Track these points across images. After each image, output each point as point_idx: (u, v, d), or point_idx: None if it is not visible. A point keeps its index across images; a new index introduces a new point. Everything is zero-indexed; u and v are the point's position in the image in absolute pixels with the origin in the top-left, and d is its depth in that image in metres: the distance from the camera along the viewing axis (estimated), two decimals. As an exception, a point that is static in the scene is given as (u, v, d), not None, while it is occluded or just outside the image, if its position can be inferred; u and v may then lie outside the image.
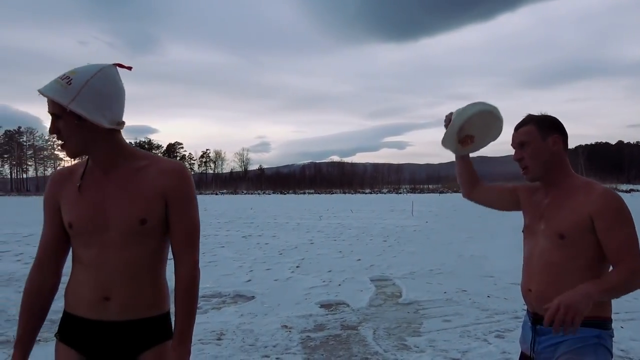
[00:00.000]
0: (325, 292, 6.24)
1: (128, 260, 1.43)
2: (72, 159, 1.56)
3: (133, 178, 1.44)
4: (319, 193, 78.85)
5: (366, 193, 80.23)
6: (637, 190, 61.02)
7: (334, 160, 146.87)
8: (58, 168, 1.51)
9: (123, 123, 1.45)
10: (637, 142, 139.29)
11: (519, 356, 1.84)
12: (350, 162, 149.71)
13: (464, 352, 3.94)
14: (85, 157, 1.49)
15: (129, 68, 1.49)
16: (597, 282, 1.50)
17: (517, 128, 1.76)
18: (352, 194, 76.98)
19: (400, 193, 77.18)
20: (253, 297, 6.04)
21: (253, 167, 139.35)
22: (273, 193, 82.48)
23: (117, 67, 1.44)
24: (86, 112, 1.33)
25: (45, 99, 1.36)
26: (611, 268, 1.61)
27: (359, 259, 9.01)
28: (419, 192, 78.03)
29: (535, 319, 1.72)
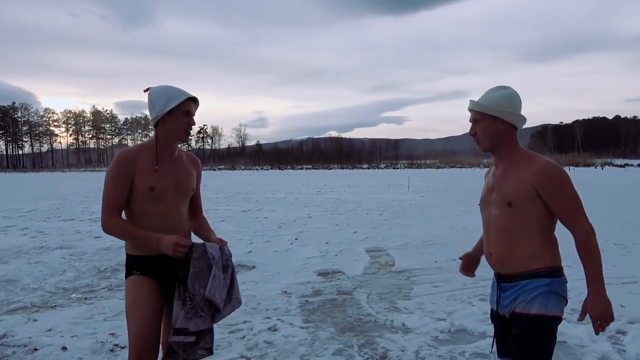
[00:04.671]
0: (322, 262, 6.57)
1: (182, 212, 2.24)
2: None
3: (182, 161, 2.25)
4: (316, 168, 79.10)
5: (364, 168, 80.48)
6: (632, 165, 61.45)
7: (332, 136, 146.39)
8: (123, 149, 2.18)
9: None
10: (635, 116, 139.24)
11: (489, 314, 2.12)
12: (348, 137, 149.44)
13: (450, 313, 4.29)
14: (145, 141, 2.21)
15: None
16: (593, 277, 1.78)
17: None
18: (350, 169, 77.28)
19: (397, 168, 77.49)
20: (254, 267, 6.37)
21: (250, 142, 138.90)
22: (271, 169, 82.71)
23: None
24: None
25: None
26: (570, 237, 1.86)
27: (355, 232, 9.34)
28: (416, 168, 78.34)
29: (498, 278, 1.98)
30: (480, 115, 1.95)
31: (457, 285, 5.23)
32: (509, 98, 1.94)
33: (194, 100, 2.16)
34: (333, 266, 6.32)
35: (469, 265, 2.26)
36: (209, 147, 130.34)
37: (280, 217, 12.07)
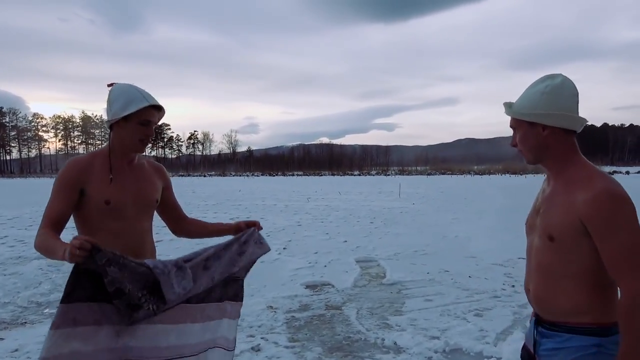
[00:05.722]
0: (310, 273, 6.33)
1: (144, 228, 1.97)
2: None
3: (143, 171, 1.99)
4: (307, 175, 78.87)
5: (355, 175, 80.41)
6: (620, 172, 62.07)
7: (323, 142, 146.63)
8: (75, 157, 1.92)
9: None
10: (622, 124, 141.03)
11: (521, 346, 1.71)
12: (339, 143, 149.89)
13: (444, 330, 4.06)
14: (99, 149, 1.95)
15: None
16: (626, 354, 1.33)
17: None
18: (341, 175, 77.10)
19: (388, 175, 77.47)
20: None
21: (241, 148, 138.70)
22: (262, 175, 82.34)
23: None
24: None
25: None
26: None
27: (345, 241, 9.12)
28: (407, 174, 78.43)
29: (537, 319, 1.58)
30: (516, 122, 1.53)
31: (451, 299, 5.01)
32: (549, 94, 1.45)
33: (158, 109, 1.89)
34: (322, 278, 6.09)
35: None
36: (200, 153, 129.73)
37: (269, 225, 11.80)
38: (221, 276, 1.87)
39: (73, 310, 1.52)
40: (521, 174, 71.89)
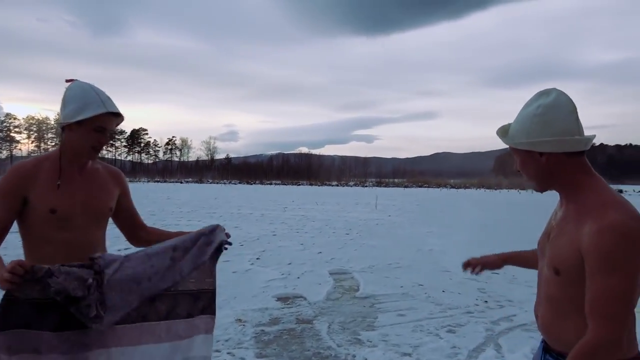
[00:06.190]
0: (283, 285, 6.20)
1: (96, 238, 1.82)
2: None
3: (97, 176, 1.84)
4: (285, 184, 78.61)
5: (333, 185, 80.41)
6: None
7: (302, 152, 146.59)
8: (19, 161, 1.83)
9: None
10: (593, 143, 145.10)
11: None
12: (318, 154, 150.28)
13: (416, 346, 3.98)
14: (49, 151, 1.81)
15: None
16: None
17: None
18: (319, 186, 77.07)
19: (366, 186, 77.79)
20: (209, 290, 5.93)
21: (220, 156, 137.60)
22: (239, 183, 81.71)
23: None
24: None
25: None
26: None
27: (320, 252, 9.01)
28: (385, 186, 78.88)
29: (545, 346, 1.49)
30: (512, 149, 1.41)
31: (424, 315, 4.95)
32: (541, 117, 1.31)
33: (116, 115, 1.76)
34: (294, 290, 5.95)
35: (478, 264, 1.77)
36: (177, 159, 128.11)
37: (244, 234, 11.62)
38: (191, 267, 1.81)
39: (6, 338, 1.42)
40: (496, 189, 73.09)
